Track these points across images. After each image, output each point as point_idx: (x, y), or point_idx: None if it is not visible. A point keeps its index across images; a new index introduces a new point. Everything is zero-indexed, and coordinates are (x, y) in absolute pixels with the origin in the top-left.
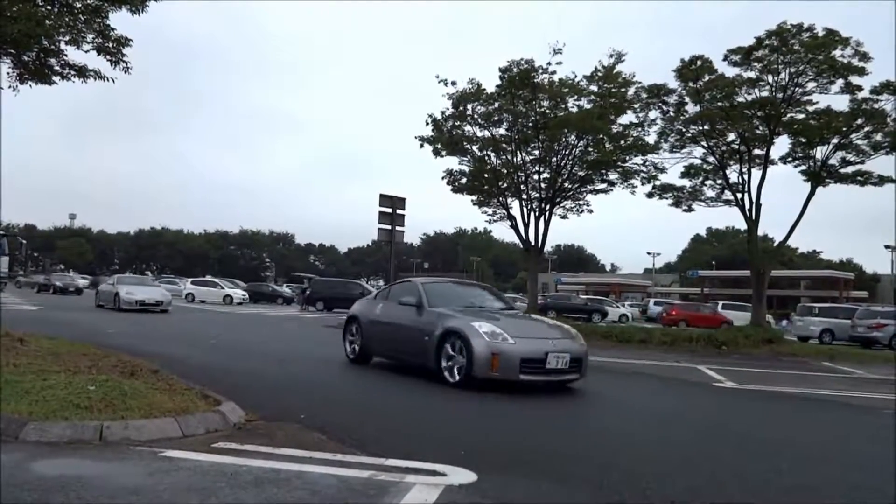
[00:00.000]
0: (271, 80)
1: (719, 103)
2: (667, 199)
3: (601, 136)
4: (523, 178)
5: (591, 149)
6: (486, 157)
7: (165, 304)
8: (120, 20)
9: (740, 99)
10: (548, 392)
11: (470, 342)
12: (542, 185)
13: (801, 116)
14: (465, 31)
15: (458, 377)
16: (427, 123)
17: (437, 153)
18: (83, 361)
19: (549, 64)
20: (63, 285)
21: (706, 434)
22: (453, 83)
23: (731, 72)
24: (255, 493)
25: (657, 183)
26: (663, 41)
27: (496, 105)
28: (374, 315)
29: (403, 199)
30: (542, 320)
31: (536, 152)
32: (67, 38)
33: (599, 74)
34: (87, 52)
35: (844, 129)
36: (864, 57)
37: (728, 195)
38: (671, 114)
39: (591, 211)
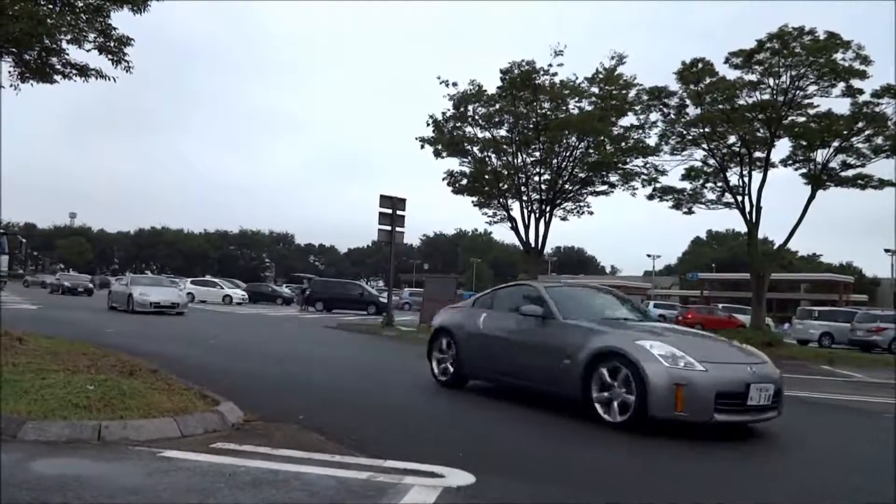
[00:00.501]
0: (271, 80)
1: (720, 106)
2: (667, 201)
3: (602, 137)
4: (524, 179)
5: (591, 150)
6: (487, 159)
7: (181, 305)
8: (121, 19)
9: (741, 102)
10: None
11: (641, 368)
12: (543, 187)
13: (802, 119)
14: (466, 32)
15: (620, 416)
16: (428, 124)
17: (437, 154)
18: (82, 361)
19: (550, 65)
20: (71, 285)
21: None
22: (454, 84)
23: (732, 74)
24: (254, 493)
25: (658, 185)
26: (664, 43)
27: (497, 106)
28: (476, 327)
29: (404, 200)
30: (715, 338)
31: (537, 154)
32: (69, 37)
33: (600, 76)
34: (88, 51)
35: (845, 132)
36: (866, 60)
37: (728, 198)
38: (672, 116)
39: (591, 213)
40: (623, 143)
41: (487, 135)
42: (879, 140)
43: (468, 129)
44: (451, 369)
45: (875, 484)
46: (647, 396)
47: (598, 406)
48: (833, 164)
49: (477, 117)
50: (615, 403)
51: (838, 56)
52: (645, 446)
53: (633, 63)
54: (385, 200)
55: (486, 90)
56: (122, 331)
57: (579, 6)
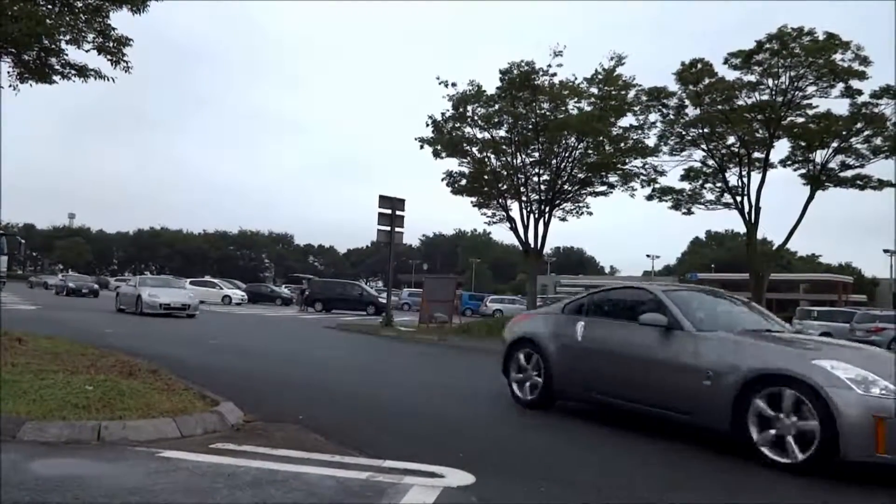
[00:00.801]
0: (270, 81)
1: (719, 106)
2: (666, 201)
3: (601, 138)
4: (523, 179)
5: (590, 151)
6: (486, 159)
7: (192, 307)
8: (120, 20)
9: (740, 102)
10: None
11: (827, 396)
12: (542, 187)
13: (801, 120)
14: (465, 33)
15: (799, 455)
16: (427, 125)
17: (436, 155)
18: (81, 361)
19: (549, 66)
20: (76, 286)
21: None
22: (453, 84)
23: (731, 75)
24: (253, 493)
25: (657, 185)
26: (663, 44)
27: (496, 107)
28: (572, 338)
29: (403, 201)
30: (871, 349)
31: (536, 154)
32: (68, 37)
33: (600, 77)
34: (87, 51)
35: (844, 132)
36: (865, 61)
37: (728, 198)
38: (671, 117)
39: (590, 213)
40: (622, 144)
41: (487, 135)
42: (878, 141)
43: (467, 129)
44: (538, 387)
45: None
46: (838, 433)
47: (762, 446)
48: (832, 165)
49: (476, 118)
50: (789, 441)
51: (837, 57)
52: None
53: (632, 64)
54: (384, 201)
55: (485, 90)
56: (121, 332)
57: (578, 7)
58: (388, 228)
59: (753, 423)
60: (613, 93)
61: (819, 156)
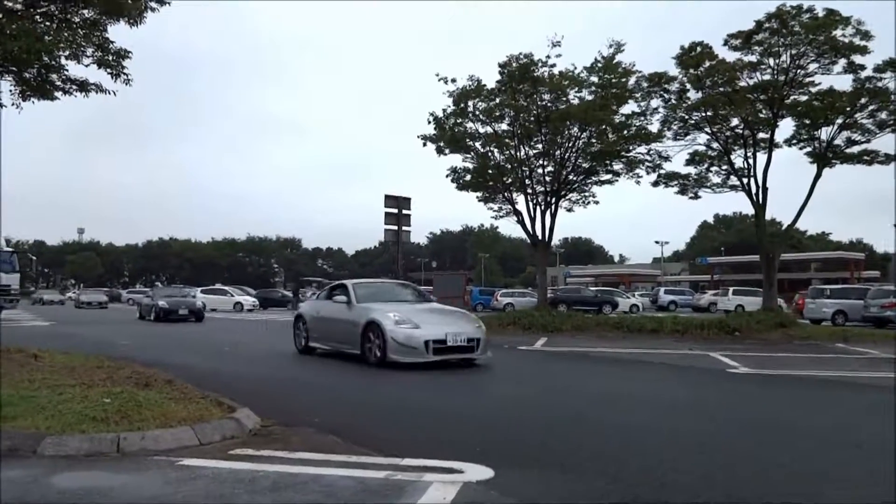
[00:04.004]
0: (270, 85)
1: (721, 89)
2: (672, 187)
3: (604, 126)
4: (527, 172)
5: (594, 140)
6: (490, 153)
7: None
8: (118, 33)
9: (742, 83)
10: None
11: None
12: (547, 179)
13: (805, 98)
14: (463, 30)
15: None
16: (429, 122)
17: (440, 151)
18: (98, 374)
19: (548, 57)
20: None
21: (722, 421)
22: (453, 81)
23: (731, 56)
24: (273, 497)
25: (662, 171)
26: (661, 32)
27: (497, 100)
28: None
29: (409, 199)
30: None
31: (540, 146)
32: (67, 52)
33: (599, 65)
34: (87, 66)
35: (848, 108)
36: (866, 35)
37: (734, 180)
38: (673, 101)
39: (597, 202)
40: (625, 131)
41: (489, 129)
42: (884, 115)
43: (469, 124)
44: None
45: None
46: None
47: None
48: (838, 142)
49: (478, 112)
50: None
51: (838, 32)
52: None
53: (631, 52)
54: (390, 200)
55: (485, 85)
56: (135, 343)
57: (576, 3)
58: (396, 228)
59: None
60: (614, 80)
61: (824, 133)
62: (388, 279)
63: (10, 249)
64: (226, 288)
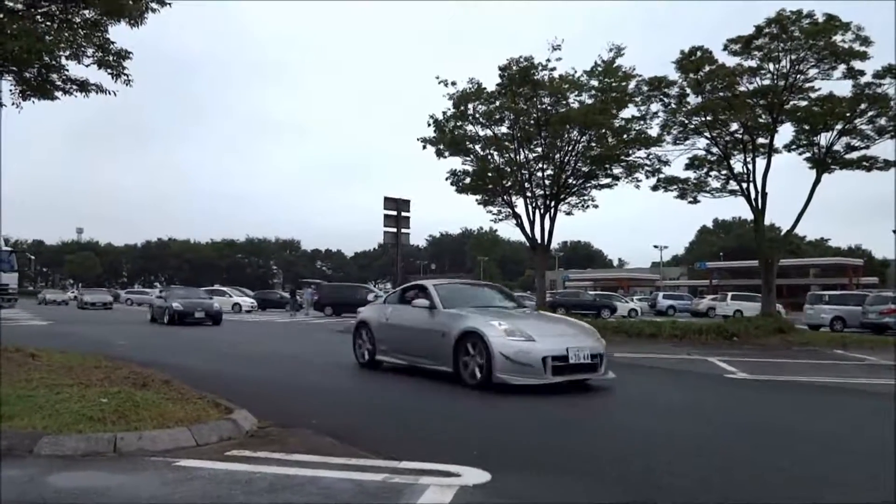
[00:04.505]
0: (271, 86)
1: (721, 93)
2: (672, 191)
3: (603, 130)
4: (527, 175)
5: (593, 144)
6: (489, 156)
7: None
8: (119, 34)
9: (742, 88)
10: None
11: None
12: (546, 182)
13: (804, 103)
14: (463, 32)
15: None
16: (429, 125)
17: (439, 154)
18: (95, 374)
19: (548, 60)
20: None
21: (720, 426)
22: (453, 83)
23: (731, 61)
24: (270, 499)
25: (661, 176)
26: (661, 36)
27: (497, 103)
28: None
29: (408, 202)
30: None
31: (539, 149)
32: (68, 52)
33: (599, 69)
34: (87, 66)
35: (848, 114)
36: (866, 41)
37: (733, 185)
38: (673, 106)
39: (596, 206)
40: (625, 135)
41: (489, 132)
42: (883, 121)
43: (469, 127)
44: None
45: (893, 469)
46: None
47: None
48: (837, 147)
49: (477, 115)
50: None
51: (837, 38)
52: None
53: (631, 56)
54: (389, 202)
55: (485, 88)
56: (133, 343)
57: (576, 4)
58: (395, 230)
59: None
60: (614, 84)
61: (824, 139)
62: (467, 279)
63: (9, 249)
64: (224, 289)
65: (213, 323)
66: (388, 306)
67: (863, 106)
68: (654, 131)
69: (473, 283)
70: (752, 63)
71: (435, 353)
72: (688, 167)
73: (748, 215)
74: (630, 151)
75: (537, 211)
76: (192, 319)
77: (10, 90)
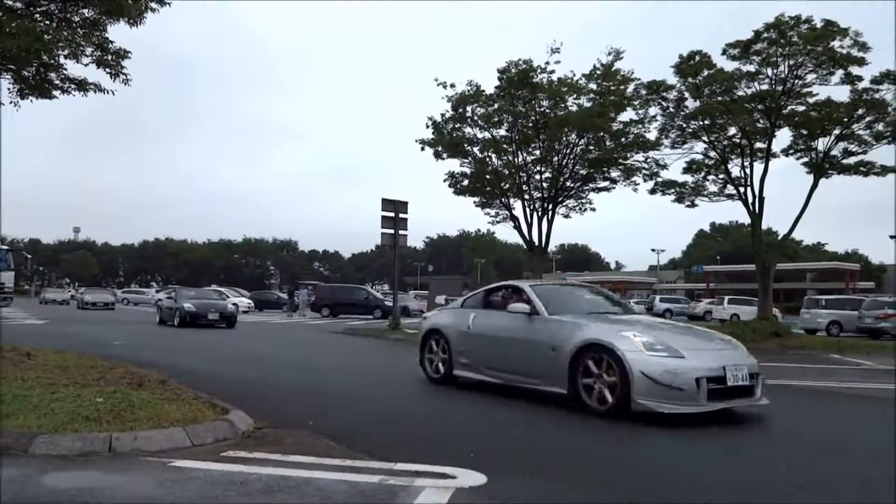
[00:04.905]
0: (269, 88)
1: (719, 98)
2: (669, 195)
3: (602, 133)
4: (525, 178)
5: (591, 147)
6: (488, 159)
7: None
8: (118, 33)
9: (740, 93)
10: None
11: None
12: (544, 185)
13: (802, 108)
14: (462, 34)
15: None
16: (427, 126)
17: (438, 156)
18: (91, 374)
19: (547, 63)
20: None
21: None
22: (452, 85)
23: (729, 66)
24: (266, 500)
25: (659, 179)
26: (660, 39)
27: (496, 106)
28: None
29: (406, 203)
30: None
31: (537, 152)
32: (66, 51)
33: (598, 72)
34: (86, 65)
35: (846, 119)
36: (864, 47)
37: (731, 189)
38: (671, 110)
39: (593, 209)
40: (623, 139)
41: (487, 135)
42: (880, 126)
43: (467, 129)
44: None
45: (889, 474)
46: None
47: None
48: (835, 152)
49: (476, 118)
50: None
51: (836, 44)
52: None
53: (630, 59)
54: (387, 204)
55: (483, 90)
56: (130, 343)
57: (575, 5)
58: (392, 231)
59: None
60: (612, 88)
61: (821, 144)
62: (565, 281)
63: (6, 247)
64: (221, 289)
65: (227, 325)
66: (469, 311)
67: (860, 111)
68: (652, 135)
69: (567, 283)
70: (751, 68)
71: (540, 371)
72: (685, 171)
73: (745, 219)
74: (628, 155)
75: (535, 213)
76: (204, 321)
77: (9, 89)
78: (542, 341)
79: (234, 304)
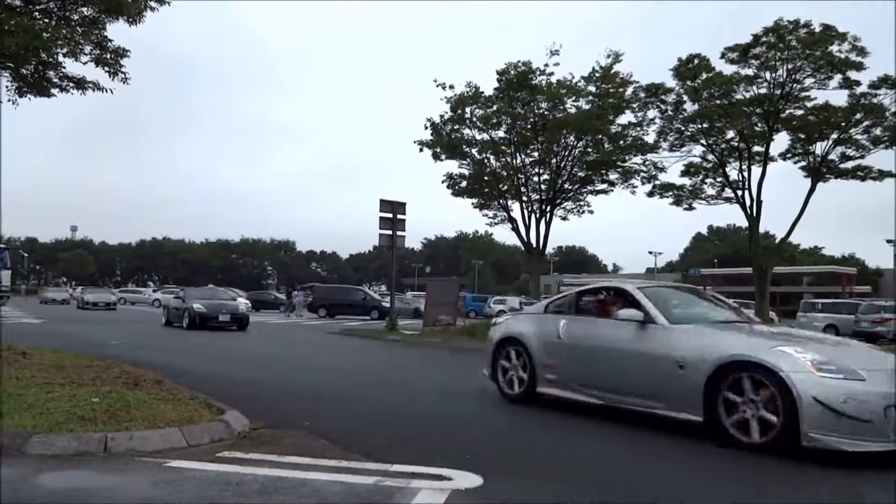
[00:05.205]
0: (270, 88)
1: (718, 101)
2: (667, 197)
3: (600, 136)
4: (523, 179)
5: (590, 149)
6: (486, 160)
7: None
8: (117, 31)
9: (738, 96)
10: None
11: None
12: (542, 187)
13: (800, 112)
14: (462, 35)
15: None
16: (426, 127)
17: (436, 157)
18: (87, 373)
19: (546, 65)
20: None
21: None
22: (451, 87)
23: (728, 69)
24: (261, 501)
25: (657, 182)
26: (659, 42)
27: (494, 108)
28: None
29: (404, 204)
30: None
31: (536, 154)
32: (65, 50)
33: (597, 75)
34: (85, 63)
35: (843, 124)
36: (862, 52)
37: (728, 193)
38: (670, 113)
39: (591, 212)
40: (621, 141)
41: (486, 136)
42: (878, 131)
43: (466, 131)
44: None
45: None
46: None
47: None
48: (832, 157)
49: (475, 119)
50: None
51: (834, 48)
52: None
53: (628, 62)
54: (385, 205)
55: (482, 92)
56: (126, 343)
57: (574, 7)
58: (390, 232)
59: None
60: (611, 90)
61: (819, 148)
62: (670, 282)
63: (3, 246)
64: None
65: (238, 328)
66: (558, 317)
67: (858, 116)
68: (650, 138)
69: (671, 285)
70: (749, 71)
71: (661, 391)
72: (683, 174)
73: (743, 223)
74: (626, 157)
75: (533, 215)
76: (215, 323)
77: (7, 87)
78: (663, 356)
79: (247, 303)
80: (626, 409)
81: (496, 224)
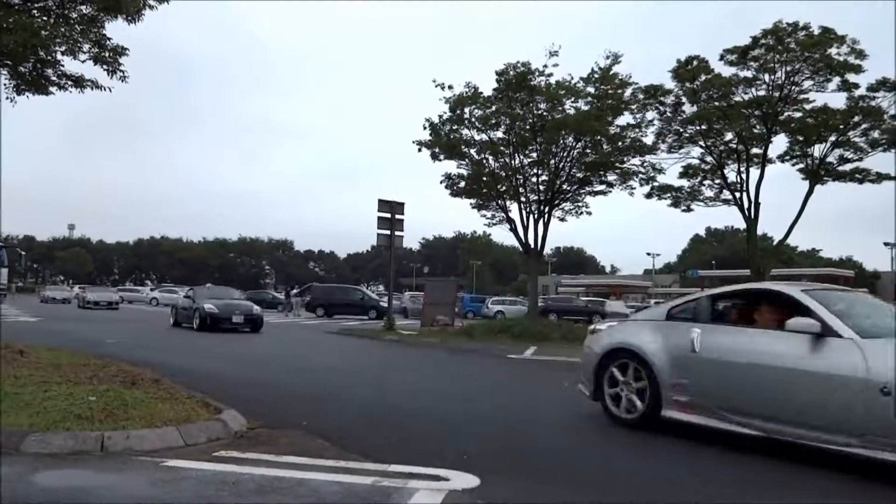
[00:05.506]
0: (270, 88)
1: (716, 103)
2: (665, 199)
3: (599, 137)
4: (521, 180)
5: (588, 150)
6: (484, 161)
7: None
8: (116, 30)
9: (737, 98)
10: None
11: None
12: (541, 188)
13: (799, 115)
14: (461, 35)
15: None
16: (424, 128)
17: (434, 157)
18: (84, 372)
19: (545, 66)
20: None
21: None
22: (450, 87)
23: (727, 71)
24: (258, 500)
25: (655, 183)
26: (658, 43)
27: (493, 108)
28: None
29: (402, 204)
30: None
31: (534, 155)
32: (64, 48)
33: (596, 76)
34: (83, 62)
35: (842, 126)
36: (861, 54)
37: (727, 195)
38: (668, 114)
39: (589, 213)
40: (620, 143)
41: (484, 137)
42: (876, 133)
43: (465, 131)
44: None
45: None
46: None
47: None
48: (830, 159)
49: (473, 119)
50: None
51: (833, 51)
52: None
53: (627, 63)
54: (383, 205)
55: (481, 92)
56: (123, 341)
57: (574, 7)
58: (388, 232)
59: None
60: (610, 91)
61: (817, 150)
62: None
63: (0, 244)
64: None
65: (252, 329)
66: (686, 326)
67: (856, 118)
68: (649, 139)
69: (839, 288)
70: (748, 73)
71: (850, 424)
72: (682, 175)
73: (741, 225)
74: (625, 159)
75: (531, 216)
76: (228, 325)
77: (5, 85)
78: (853, 378)
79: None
80: (792, 442)
81: (494, 224)
